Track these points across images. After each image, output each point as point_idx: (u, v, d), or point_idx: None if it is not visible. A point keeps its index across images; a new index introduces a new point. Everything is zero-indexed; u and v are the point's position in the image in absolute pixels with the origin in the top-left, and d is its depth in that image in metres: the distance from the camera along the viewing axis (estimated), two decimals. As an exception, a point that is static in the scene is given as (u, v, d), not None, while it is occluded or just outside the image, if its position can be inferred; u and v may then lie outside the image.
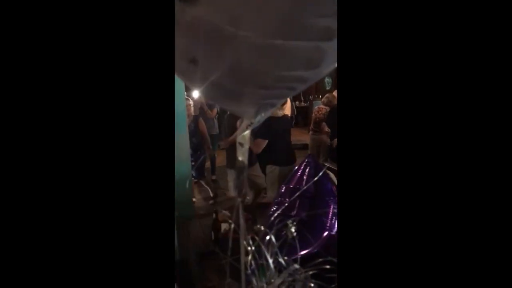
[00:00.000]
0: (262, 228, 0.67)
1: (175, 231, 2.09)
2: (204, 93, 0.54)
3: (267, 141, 2.38)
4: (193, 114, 3.15)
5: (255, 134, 2.51)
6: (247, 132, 0.56)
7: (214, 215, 1.76)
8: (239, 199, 0.59)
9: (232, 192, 2.78)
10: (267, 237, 0.63)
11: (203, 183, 3.46)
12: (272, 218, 0.78)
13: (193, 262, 1.56)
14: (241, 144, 0.57)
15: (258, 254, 0.62)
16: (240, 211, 0.59)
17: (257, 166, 2.67)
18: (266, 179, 2.54)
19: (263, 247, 0.61)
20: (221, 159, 3.68)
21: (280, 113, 2.55)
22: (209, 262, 1.49)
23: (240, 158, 0.57)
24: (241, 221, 0.59)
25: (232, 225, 0.66)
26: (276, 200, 1.06)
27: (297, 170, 1.22)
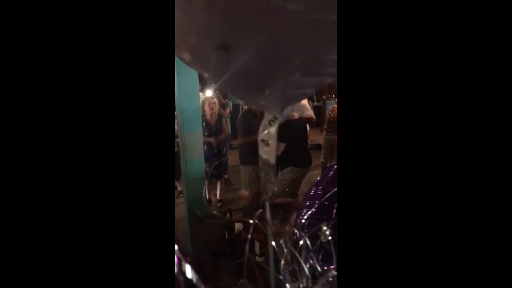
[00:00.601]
0: (296, 231, 0.62)
1: (188, 230, 2.10)
2: (224, 85, 0.50)
3: (285, 144, 2.38)
4: (217, 113, 3.14)
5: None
6: (273, 129, 0.51)
7: (228, 215, 1.74)
8: (267, 200, 0.55)
9: (245, 188, 2.79)
10: (301, 241, 0.59)
11: (218, 184, 3.47)
12: (304, 221, 0.74)
13: (206, 262, 1.54)
14: (265, 142, 0.52)
15: (291, 258, 0.58)
16: (268, 212, 0.55)
17: None
18: (286, 181, 2.55)
19: (295, 251, 0.57)
20: (233, 158, 3.67)
21: (296, 116, 2.54)
22: (222, 262, 1.47)
23: (264, 157, 0.53)
24: (269, 222, 0.55)
25: (252, 223, 0.62)
26: (305, 203, 1.02)
27: (328, 172, 1.17)
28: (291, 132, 2.45)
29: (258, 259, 1.41)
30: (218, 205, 3.45)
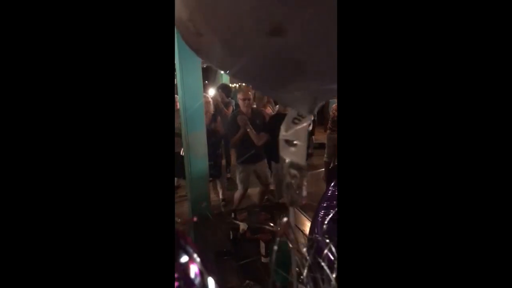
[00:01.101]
0: (319, 237, 0.59)
1: (192, 230, 2.08)
2: (245, 77, 0.46)
3: (268, 135, 2.39)
4: (212, 112, 3.12)
5: (258, 128, 2.55)
6: (301, 127, 0.46)
7: (232, 215, 1.72)
8: (289, 205, 0.51)
9: (239, 185, 2.80)
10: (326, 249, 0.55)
11: (218, 184, 3.45)
12: (324, 226, 0.71)
13: (210, 262, 1.52)
14: (289, 142, 0.47)
15: (312, 267, 0.54)
16: (292, 218, 0.51)
17: (264, 162, 2.80)
18: (272, 178, 2.57)
19: (320, 260, 0.53)
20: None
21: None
22: (227, 263, 1.46)
23: (287, 158, 0.47)
24: (293, 229, 0.51)
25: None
26: (322, 204, 0.98)
27: None
28: (279, 125, 2.43)
29: (263, 259, 1.40)
30: (222, 204, 3.44)
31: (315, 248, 0.55)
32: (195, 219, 1.75)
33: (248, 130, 2.54)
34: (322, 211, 0.87)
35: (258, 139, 2.47)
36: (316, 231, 0.80)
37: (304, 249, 0.52)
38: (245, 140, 2.59)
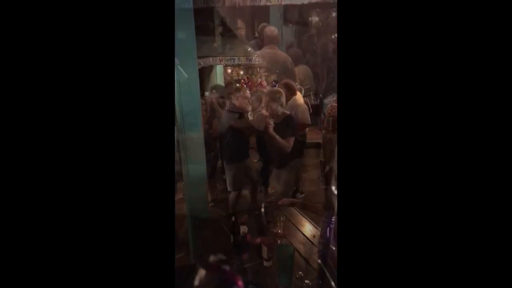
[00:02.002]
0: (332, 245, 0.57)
1: (190, 233, 2.06)
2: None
3: (294, 137, 2.38)
4: (205, 113, 3.09)
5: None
6: None
7: (233, 218, 1.70)
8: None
9: (230, 187, 2.77)
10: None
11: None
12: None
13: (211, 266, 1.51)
14: None
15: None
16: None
17: (251, 160, 2.78)
18: (288, 176, 2.56)
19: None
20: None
21: (287, 112, 2.51)
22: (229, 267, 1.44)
23: None
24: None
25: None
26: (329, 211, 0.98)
27: None
28: (293, 125, 2.45)
29: (265, 263, 1.38)
30: (211, 204, 3.36)
31: (330, 254, 0.54)
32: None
33: (275, 137, 2.47)
34: (333, 218, 0.86)
35: (288, 145, 2.40)
36: (327, 237, 0.78)
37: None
38: (236, 139, 2.55)
